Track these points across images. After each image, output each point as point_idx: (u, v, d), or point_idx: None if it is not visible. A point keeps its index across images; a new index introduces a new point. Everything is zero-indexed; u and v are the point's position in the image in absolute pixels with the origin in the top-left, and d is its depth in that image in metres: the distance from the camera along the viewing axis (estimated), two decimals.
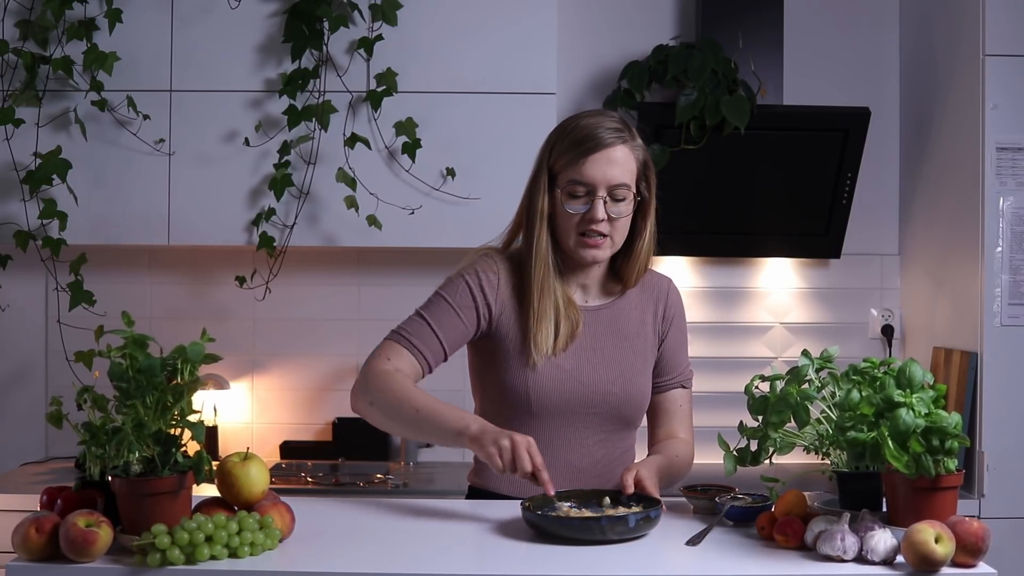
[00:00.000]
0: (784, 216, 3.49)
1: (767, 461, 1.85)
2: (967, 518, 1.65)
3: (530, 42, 3.25)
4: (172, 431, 1.65)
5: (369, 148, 3.22)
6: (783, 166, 3.41)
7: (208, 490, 1.84)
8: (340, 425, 3.47)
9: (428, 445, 3.47)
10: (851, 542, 1.63)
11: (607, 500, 1.87)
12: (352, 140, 3.20)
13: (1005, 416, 3.00)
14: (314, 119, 3.20)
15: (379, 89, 3.20)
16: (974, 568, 1.63)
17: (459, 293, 2.07)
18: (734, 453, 1.88)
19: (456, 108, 3.25)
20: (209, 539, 1.60)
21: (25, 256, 3.28)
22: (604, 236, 2.03)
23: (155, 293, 3.57)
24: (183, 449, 1.67)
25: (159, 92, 3.23)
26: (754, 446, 1.85)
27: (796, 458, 1.90)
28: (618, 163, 2.02)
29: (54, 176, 3.14)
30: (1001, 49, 2.98)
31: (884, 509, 1.77)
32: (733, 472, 1.87)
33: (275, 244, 3.23)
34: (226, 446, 3.47)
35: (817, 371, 1.85)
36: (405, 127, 3.20)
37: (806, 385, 1.83)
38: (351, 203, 3.19)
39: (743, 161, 3.37)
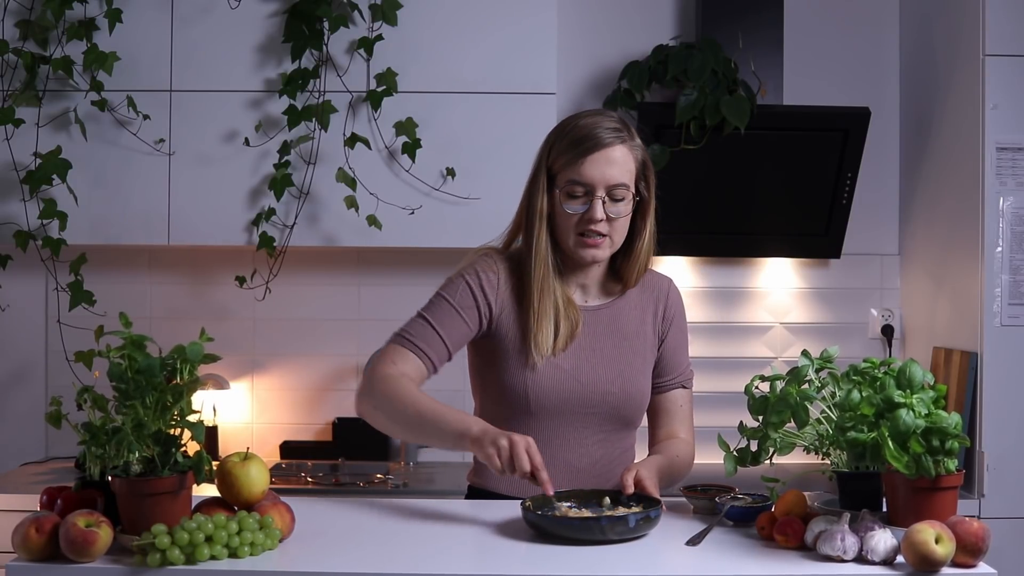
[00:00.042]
0: (784, 216, 3.49)
1: (767, 461, 1.85)
2: (967, 518, 1.65)
3: (530, 42, 3.24)
4: (172, 431, 1.65)
5: (369, 148, 3.22)
6: (783, 166, 3.41)
7: (208, 490, 1.84)
8: (340, 425, 3.47)
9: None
10: (851, 542, 1.63)
11: (607, 500, 1.87)
12: (352, 140, 3.20)
13: (1005, 416, 3.00)
14: (314, 119, 3.20)
15: (379, 89, 3.20)
16: (974, 568, 1.63)
17: (460, 293, 2.07)
18: (734, 453, 1.88)
19: (456, 108, 3.25)
20: (209, 539, 1.60)
21: (25, 256, 3.27)
22: (603, 236, 2.03)
23: (155, 293, 3.57)
24: (183, 449, 1.67)
25: (159, 92, 3.23)
26: (754, 446, 1.85)
27: (796, 458, 1.90)
28: (617, 163, 2.01)
29: (54, 176, 3.13)
30: (1001, 49, 2.98)
31: (884, 509, 1.77)
32: (733, 472, 1.87)
33: (275, 244, 3.23)
34: (226, 446, 3.47)
35: (817, 371, 1.85)
36: (405, 127, 3.20)
37: (806, 385, 1.83)
38: (351, 203, 3.18)
39: (743, 161, 3.36)
